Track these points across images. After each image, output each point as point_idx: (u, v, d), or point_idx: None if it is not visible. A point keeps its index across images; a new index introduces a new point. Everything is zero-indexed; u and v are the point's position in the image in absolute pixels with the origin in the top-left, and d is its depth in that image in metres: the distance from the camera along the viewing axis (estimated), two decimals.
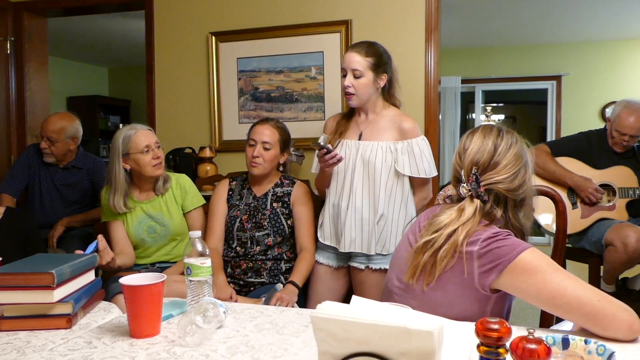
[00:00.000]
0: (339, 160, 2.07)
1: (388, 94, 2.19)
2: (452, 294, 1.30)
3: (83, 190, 3.06)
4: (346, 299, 2.20)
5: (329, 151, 2.03)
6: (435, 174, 2.17)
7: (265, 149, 2.25)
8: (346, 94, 2.12)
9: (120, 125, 7.93)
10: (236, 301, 2.00)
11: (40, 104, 3.86)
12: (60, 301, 1.29)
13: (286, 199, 2.30)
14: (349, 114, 2.26)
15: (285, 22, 3.14)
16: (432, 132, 2.90)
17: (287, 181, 2.35)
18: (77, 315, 1.34)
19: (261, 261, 2.24)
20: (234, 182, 2.39)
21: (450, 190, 1.83)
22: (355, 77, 2.08)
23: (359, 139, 2.16)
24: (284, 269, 2.26)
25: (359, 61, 2.07)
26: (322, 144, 2.03)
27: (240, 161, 3.02)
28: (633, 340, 1.12)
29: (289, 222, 2.28)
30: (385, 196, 2.09)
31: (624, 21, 5.54)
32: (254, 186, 2.35)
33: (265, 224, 2.25)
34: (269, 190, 2.32)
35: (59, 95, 7.19)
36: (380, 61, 2.10)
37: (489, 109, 7.88)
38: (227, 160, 3.25)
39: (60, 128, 2.95)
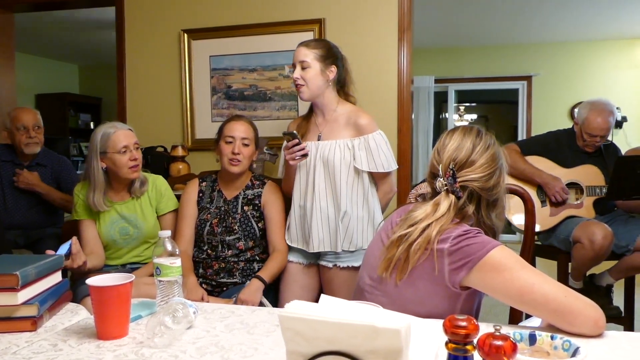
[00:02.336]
0: (305, 156, 2.09)
1: (343, 93, 2.21)
2: (422, 290, 1.31)
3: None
4: (320, 296, 2.21)
5: (298, 142, 2.04)
6: (394, 167, 2.18)
7: (245, 145, 2.23)
8: (296, 86, 2.14)
9: (91, 123, 7.79)
10: (207, 302, 1.97)
11: (7, 101, 3.76)
12: (25, 303, 1.26)
13: (257, 202, 2.28)
14: (308, 116, 2.28)
15: (258, 20, 3.12)
16: (405, 131, 2.91)
17: (258, 182, 2.33)
18: (43, 318, 1.30)
19: (234, 262, 2.22)
20: (203, 183, 2.35)
21: (422, 189, 1.85)
22: (303, 68, 2.10)
23: (318, 140, 2.17)
24: (256, 269, 2.24)
25: (305, 53, 2.10)
26: (295, 132, 2.04)
27: (213, 160, 2.98)
28: (598, 336, 1.15)
29: (259, 224, 2.26)
30: (347, 193, 2.11)
31: (591, 23, 5.67)
32: (225, 188, 2.31)
33: (236, 228, 2.23)
34: (240, 193, 2.29)
35: (28, 93, 7.02)
36: (328, 53, 2.13)
37: (462, 108, 7.97)
38: (200, 159, 3.21)
39: (39, 116, 3.01)
